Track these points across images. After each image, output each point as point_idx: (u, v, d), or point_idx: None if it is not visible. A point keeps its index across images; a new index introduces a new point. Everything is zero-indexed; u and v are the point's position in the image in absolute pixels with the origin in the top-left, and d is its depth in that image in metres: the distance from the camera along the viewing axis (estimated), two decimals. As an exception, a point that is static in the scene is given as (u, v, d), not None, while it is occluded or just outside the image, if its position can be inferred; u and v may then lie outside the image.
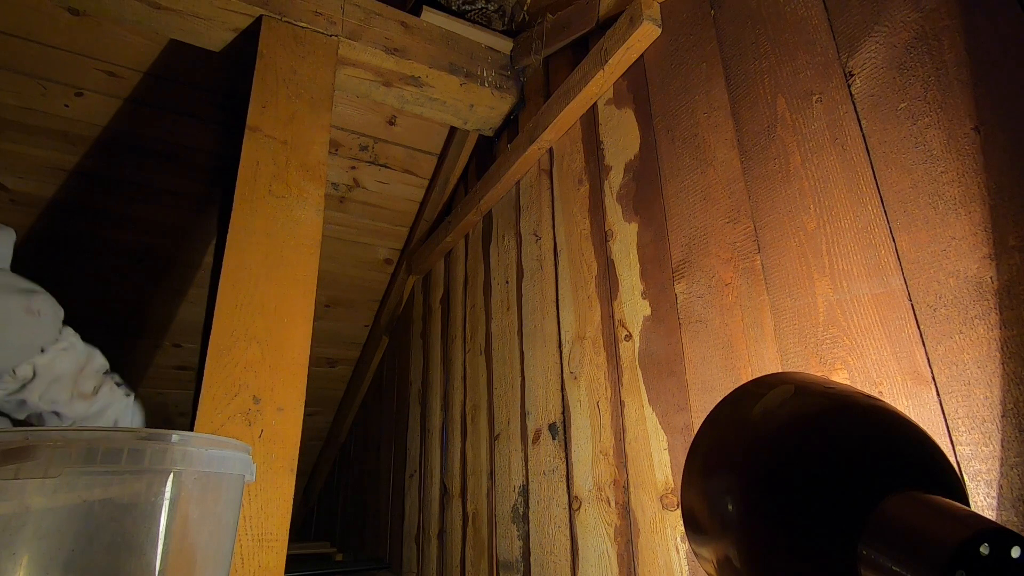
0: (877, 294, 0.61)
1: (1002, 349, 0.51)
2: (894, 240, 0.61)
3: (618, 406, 0.96)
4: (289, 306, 0.98)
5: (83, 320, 1.86)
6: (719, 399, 0.47)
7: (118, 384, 0.96)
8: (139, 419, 1.03)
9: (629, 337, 0.96)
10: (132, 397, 0.99)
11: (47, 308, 0.82)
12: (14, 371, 0.81)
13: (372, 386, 2.50)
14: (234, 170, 1.03)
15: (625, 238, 1.02)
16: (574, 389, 1.08)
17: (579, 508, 1.01)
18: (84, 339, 1.08)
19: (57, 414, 0.87)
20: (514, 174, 1.41)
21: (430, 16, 1.39)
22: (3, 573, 0.49)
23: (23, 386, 0.83)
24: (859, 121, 0.66)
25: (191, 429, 0.85)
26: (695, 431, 0.66)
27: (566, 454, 1.07)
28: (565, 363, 1.12)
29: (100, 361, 0.93)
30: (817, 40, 0.73)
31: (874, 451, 0.37)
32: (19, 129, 1.44)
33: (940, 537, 0.29)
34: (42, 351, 0.83)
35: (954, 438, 0.53)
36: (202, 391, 0.87)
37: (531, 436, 1.20)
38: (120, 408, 0.96)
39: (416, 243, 1.99)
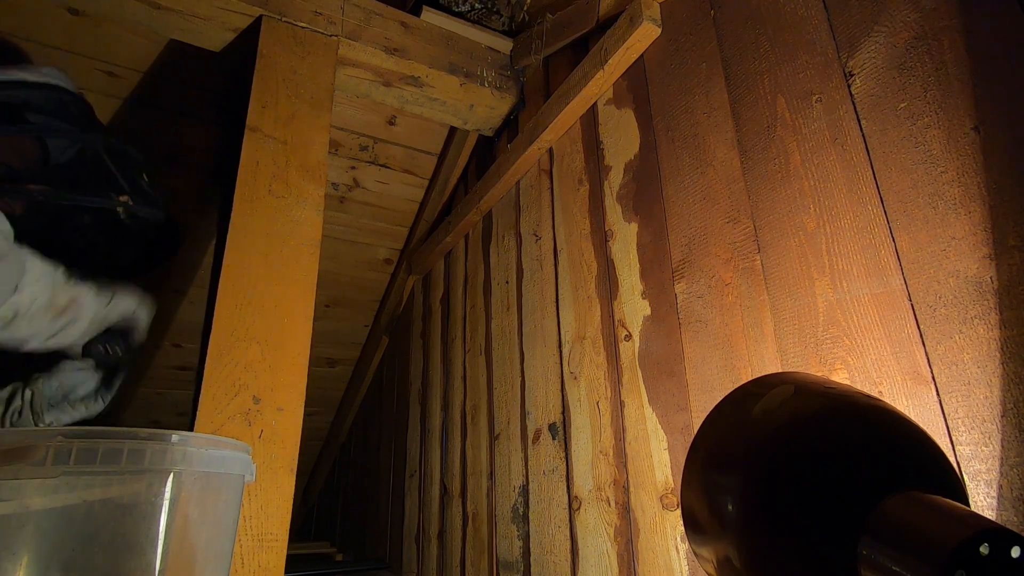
0: (877, 294, 0.61)
1: (1002, 349, 0.51)
2: (894, 240, 0.61)
3: (618, 406, 0.96)
4: (289, 306, 0.98)
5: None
6: (719, 399, 0.47)
7: (81, 277, 0.91)
8: (122, 309, 0.96)
9: (629, 337, 0.96)
10: (113, 297, 0.95)
11: (4, 245, 0.77)
12: None
13: (372, 386, 2.50)
14: (234, 170, 1.03)
15: (625, 238, 1.02)
16: (574, 389, 1.08)
17: (579, 508, 1.01)
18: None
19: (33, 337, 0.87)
20: (514, 174, 1.41)
21: (430, 16, 1.39)
22: (3, 573, 0.49)
23: (3, 326, 0.81)
24: (859, 121, 0.66)
25: (191, 429, 0.85)
26: (695, 431, 0.66)
27: (566, 454, 1.07)
28: (565, 363, 1.12)
29: (62, 269, 0.87)
30: (817, 40, 0.73)
31: (874, 451, 0.37)
32: (19, 129, 1.44)
33: (940, 537, 0.29)
34: (16, 289, 0.79)
35: (954, 438, 0.53)
36: (202, 391, 0.87)
37: (531, 436, 1.20)
38: (93, 302, 0.91)
39: (416, 243, 1.99)
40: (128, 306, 0.99)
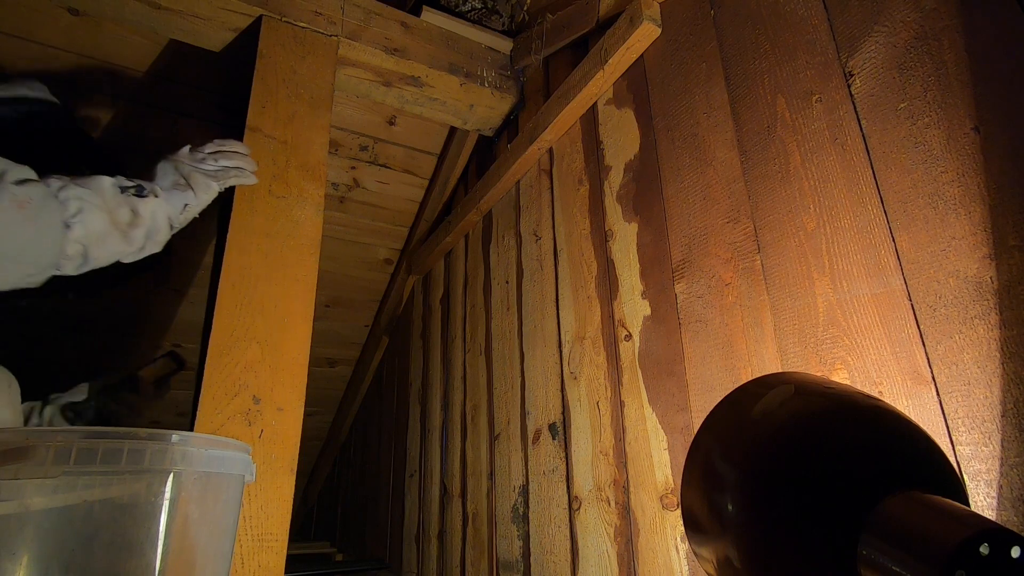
0: (877, 294, 0.61)
1: (1002, 349, 0.51)
2: (894, 240, 0.61)
3: (618, 406, 0.96)
4: (289, 306, 0.98)
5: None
6: (719, 399, 0.47)
7: (141, 192, 0.86)
8: (180, 202, 0.90)
9: (629, 337, 0.96)
10: (162, 190, 0.89)
11: (33, 191, 0.72)
12: (66, 252, 0.76)
13: (372, 386, 2.50)
14: (234, 170, 1.03)
15: (625, 238, 1.02)
16: (574, 389, 1.08)
17: (579, 508, 1.01)
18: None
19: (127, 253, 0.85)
20: (514, 174, 1.41)
21: (430, 16, 1.39)
22: (3, 573, 0.49)
23: (85, 260, 0.79)
24: (859, 121, 0.66)
25: (191, 429, 0.85)
26: (695, 431, 0.66)
27: (566, 454, 1.07)
28: (565, 363, 1.12)
29: (107, 186, 0.81)
30: (817, 40, 0.73)
31: (874, 451, 0.37)
32: (19, 129, 1.44)
33: (940, 537, 0.29)
34: (67, 227, 0.75)
35: (954, 438, 0.53)
36: (202, 391, 0.87)
37: (531, 436, 1.20)
38: (163, 210, 0.87)
39: (416, 243, 1.99)
40: (207, 199, 0.94)
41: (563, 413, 1.10)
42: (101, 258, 0.81)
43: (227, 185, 0.97)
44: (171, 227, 0.90)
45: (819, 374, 0.66)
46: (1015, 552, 0.28)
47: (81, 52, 1.32)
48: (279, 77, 1.13)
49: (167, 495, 0.56)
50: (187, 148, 0.96)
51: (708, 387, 0.80)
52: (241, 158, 1.00)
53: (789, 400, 0.42)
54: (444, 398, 1.70)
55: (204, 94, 1.48)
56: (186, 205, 0.91)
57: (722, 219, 0.83)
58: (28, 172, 0.74)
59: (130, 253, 0.85)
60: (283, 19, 1.18)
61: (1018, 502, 0.48)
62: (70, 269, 0.78)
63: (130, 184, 0.85)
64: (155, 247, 0.88)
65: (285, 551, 0.86)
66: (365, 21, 1.28)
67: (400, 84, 1.37)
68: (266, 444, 0.89)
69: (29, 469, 0.50)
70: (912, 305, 0.58)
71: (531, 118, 1.34)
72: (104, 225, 0.79)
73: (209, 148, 0.97)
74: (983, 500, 0.50)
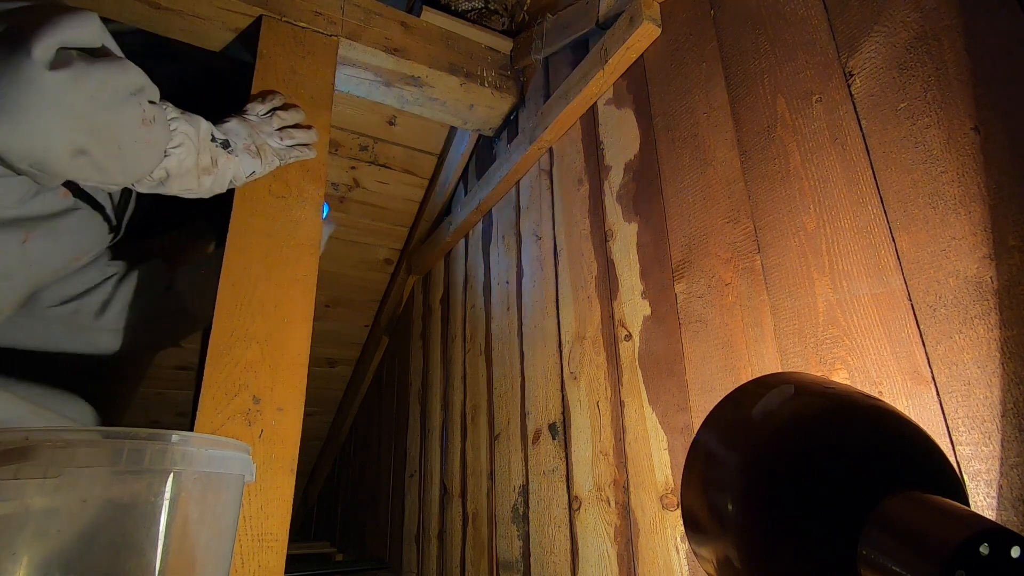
0: (877, 294, 0.61)
1: (1002, 349, 0.51)
2: (894, 240, 0.61)
3: (618, 406, 0.96)
4: (289, 306, 0.98)
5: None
6: (719, 399, 0.47)
7: (226, 147, 0.92)
8: (248, 167, 0.95)
9: (629, 337, 0.96)
10: (240, 150, 0.94)
11: (157, 113, 0.79)
12: (152, 174, 0.83)
13: (372, 386, 2.50)
14: (234, 170, 1.03)
15: (625, 238, 1.02)
16: (574, 389, 1.08)
17: (579, 508, 1.01)
18: None
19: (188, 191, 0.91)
20: (514, 174, 1.41)
21: (430, 16, 1.39)
22: (3, 573, 0.49)
23: (159, 184, 0.85)
24: (859, 121, 0.66)
25: (191, 429, 0.85)
26: (695, 431, 0.66)
27: (566, 454, 1.07)
28: (565, 363, 1.12)
29: (204, 129, 0.88)
30: (817, 40, 0.73)
31: (874, 451, 0.37)
32: (19, 129, 1.43)
33: (940, 537, 0.30)
34: (165, 154, 0.82)
35: (954, 438, 0.53)
36: (202, 391, 0.87)
37: (531, 436, 1.20)
38: (234, 170, 0.93)
39: (416, 243, 1.99)
40: (268, 171, 1.00)
41: (563, 413, 1.10)
42: (172, 189, 0.88)
43: (287, 163, 1.04)
44: (231, 186, 0.95)
45: (819, 374, 0.66)
46: (1015, 552, 0.28)
47: (81, 52, 1.32)
48: (279, 77, 1.13)
49: (167, 495, 0.56)
50: (259, 113, 1.01)
51: (708, 387, 0.80)
52: (304, 133, 1.05)
53: (789, 400, 0.42)
54: (444, 398, 1.70)
55: (204, 94, 1.48)
56: (252, 172, 0.96)
57: (722, 219, 0.83)
58: (157, 93, 0.81)
59: (194, 192, 0.91)
60: (283, 19, 1.18)
61: (1018, 502, 0.48)
62: (142, 188, 0.85)
63: (220, 136, 0.91)
64: (209, 195, 0.94)
65: (285, 551, 0.86)
66: (365, 21, 1.28)
67: (400, 84, 1.37)
68: (266, 444, 0.89)
69: (29, 469, 0.50)
70: (912, 305, 0.58)
71: (531, 118, 1.34)
72: (191, 164, 0.86)
73: (276, 124, 1.02)
74: (983, 500, 0.51)
